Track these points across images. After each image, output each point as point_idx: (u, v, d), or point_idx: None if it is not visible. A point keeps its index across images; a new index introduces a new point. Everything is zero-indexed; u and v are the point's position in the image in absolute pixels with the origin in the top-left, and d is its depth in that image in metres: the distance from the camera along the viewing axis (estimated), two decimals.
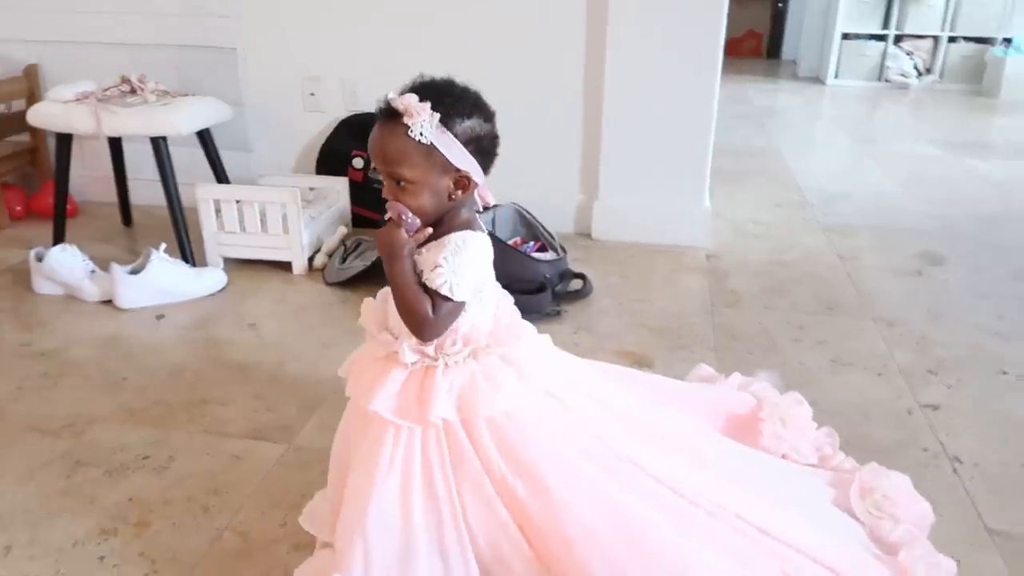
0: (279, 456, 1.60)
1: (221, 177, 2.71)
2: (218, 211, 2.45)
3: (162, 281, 2.26)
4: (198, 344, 2.08)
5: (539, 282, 2.19)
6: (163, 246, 2.32)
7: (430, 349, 1.16)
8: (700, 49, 2.55)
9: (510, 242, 2.38)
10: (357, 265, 2.36)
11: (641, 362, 1.98)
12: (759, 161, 4.14)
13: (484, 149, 1.15)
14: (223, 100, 2.66)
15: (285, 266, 2.49)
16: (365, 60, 2.83)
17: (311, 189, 2.77)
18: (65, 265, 2.28)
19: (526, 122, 2.70)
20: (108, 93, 2.49)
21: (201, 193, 2.44)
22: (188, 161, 2.72)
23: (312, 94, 2.92)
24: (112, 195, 2.92)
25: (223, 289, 2.37)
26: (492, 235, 1.25)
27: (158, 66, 2.86)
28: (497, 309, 1.26)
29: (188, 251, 2.46)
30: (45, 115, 2.46)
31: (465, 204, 1.19)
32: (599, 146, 2.73)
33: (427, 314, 1.12)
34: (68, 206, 2.76)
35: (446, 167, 1.12)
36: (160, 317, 2.21)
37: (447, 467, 1.15)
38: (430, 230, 1.14)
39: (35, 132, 2.99)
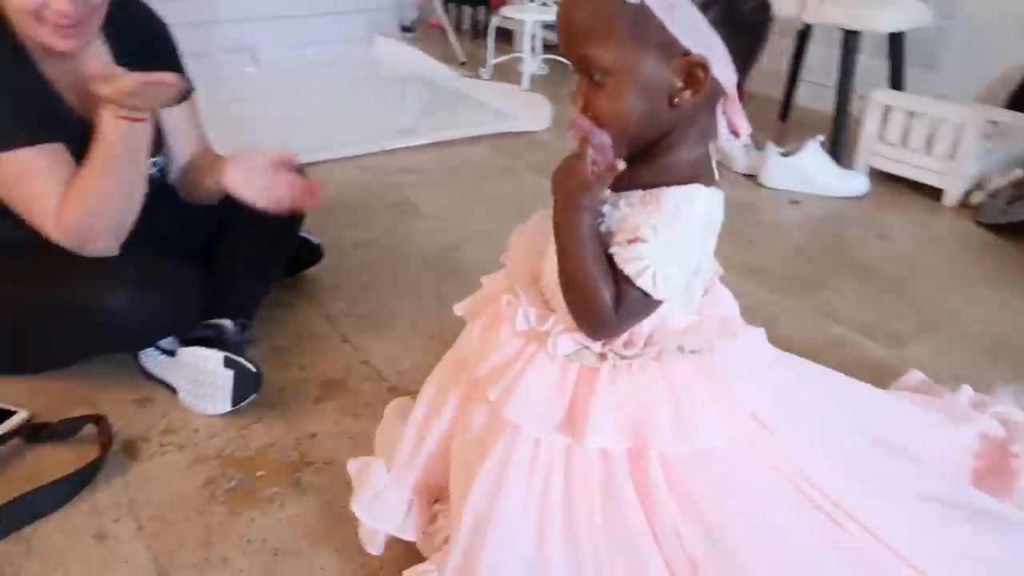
0: (881, 360, 1.51)
1: (898, 88, 2.56)
2: (884, 120, 2.34)
3: (809, 169, 2.27)
4: (825, 235, 2.07)
5: None
6: (820, 137, 2.31)
7: (596, 344, 0.81)
8: None
9: None
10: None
11: None
12: None
13: (738, 20, 0.72)
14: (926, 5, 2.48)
15: (933, 193, 2.28)
16: None
17: (993, 123, 2.44)
18: (727, 134, 2.45)
19: None
20: None
21: (877, 96, 2.34)
22: (861, 72, 2.64)
23: None
24: (778, 91, 3.02)
25: (862, 196, 2.29)
26: None
27: None
28: (706, 297, 0.86)
29: (840, 151, 2.42)
30: None
31: (699, 127, 0.77)
32: None
33: (605, 306, 0.75)
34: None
35: (668, 47, 0.71)
36: (795, 202, 2.25)
37: (595, 504, 0.81)
38: (622, 164, 0.73)
39: None
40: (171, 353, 1.32)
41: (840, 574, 0.80)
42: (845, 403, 1.06)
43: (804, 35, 2.81)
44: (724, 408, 0.80)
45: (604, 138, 0.72)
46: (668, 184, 0.75)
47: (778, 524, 0.81)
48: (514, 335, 0.83)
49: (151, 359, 1.35)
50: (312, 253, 1.72)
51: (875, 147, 2.37)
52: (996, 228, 2.09)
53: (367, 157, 2.47)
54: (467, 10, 4.40)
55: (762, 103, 3.17)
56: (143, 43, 1.38)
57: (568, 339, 0.80)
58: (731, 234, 1.99)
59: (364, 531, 1.00)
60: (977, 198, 2.23)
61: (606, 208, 0.77)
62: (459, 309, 0.95)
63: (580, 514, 0.81)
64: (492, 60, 3.43)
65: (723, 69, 0.73)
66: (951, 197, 2.24)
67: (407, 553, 0.99)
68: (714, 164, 0.82)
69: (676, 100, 0.73)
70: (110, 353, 1.37)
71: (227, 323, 1.37)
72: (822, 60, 2.82)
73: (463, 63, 3.62)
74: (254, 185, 1.29)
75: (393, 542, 1.00)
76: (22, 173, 1.18)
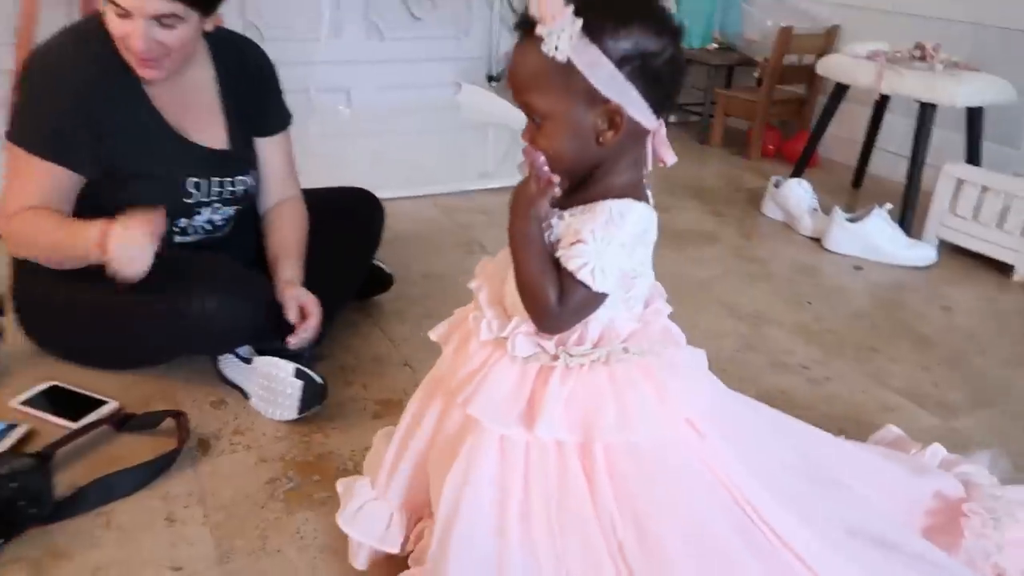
0: (929, 428, 1.51)
1: (974, 163, 2.56)
2: (956, 193, 2.34)
3: (874, 237, 2.29)
4: (884, 302, 2.08)
5: None
6: (888, 206, 2.33)
7: (549, 344, 0.91)
8: None
9: None
10: None
11: None
12: None
13: (652, 73, 0.84)
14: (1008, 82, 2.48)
15: (1003, 269, 2.25)
16: None
17: None
18: (795, 195, 2.48)
19: None
20: (898, 55, 2.55)
21: (948, 169, 2.35)
22: (939, 144, 2.64)
23: None
24: (853, 159, 3.03)
25: (928, 267, 2.28)
26: None
27: (951, 40, 2.79)
28: (649, 307, 0.96)
29: (909, 221, 2.42)
30: (834, 66, 2.67)
31: (628, 158, 0.90)
32: None
33: (552, 301, 0.87)
34: (812, 156, 3.00)
35: (591, 96, 0.84)
36: (858, 268, 2.26)
37: (552, 496, 0.90)
38: (556, 182, 0.86)
39: (811, 85, 3.28)
40: (247, 360, 1.44)
41: (755, 573, 0.87)
42: (791, 436, 1.12)
43: (881, 105, 2.84)
44: (661, 406, 0.90)
45: (544, 165, 0.86)
46: (605, 199, 0.88)
47: (701, 518, 0.90)
48: (481, 346, 0.94)
49: (229, 365, 1.47)
50: (383, 281, 1.84)
51: (946, 219, 2.36)
52: None
53: (445, 196, 2.60)
54: None
55: (837, 169, 3.19)
56: (248, 77, 1.53)
57: (526, 340, 0.91)
58: (789, 294, 2.04)
59: (351, 546, 1.07)
60: None
61: (554, 221, 0.89)
62: (433, 335, 1.06)
63: (537, 504, 0.90)
64: None
65: (640, 113, 0.86)
66: (1021, 273, 2.21)
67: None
68: (648, 190, 0.94)
69: (601, 139, 0.86)
70: (197, 353, 1.49)
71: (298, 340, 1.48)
72: (900, 130, 2.84)
73: None
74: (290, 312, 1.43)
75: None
76: (24, 171, 1.35)
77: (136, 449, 1.29)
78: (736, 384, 1.44)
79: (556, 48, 0.80)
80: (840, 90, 2.71)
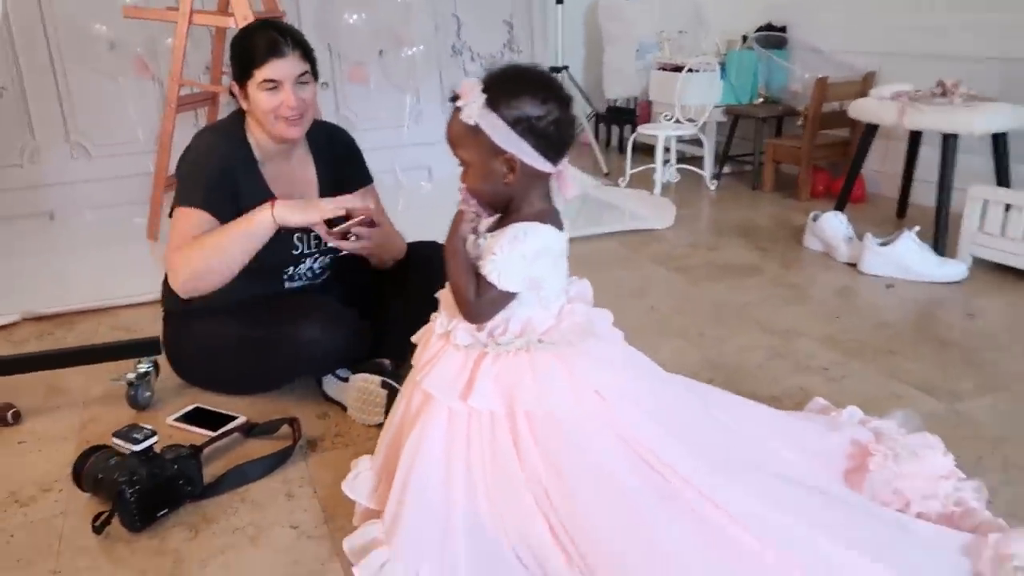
0: (932, 411, 1.69)
1: (1003, 184, 2.71)
2: (983, 212, 2.51)
3: (905, 258, 2.47)
4: (910, 313, 2.27)
5: None
6: (916, 228, 2.52)
7: (482, 335, 1.17)
8: None
9: None
10: None
11: None
12: None
13: (539, 131, 1.12)
14: None
15: None
16: None
17: None
18: (831, 226, 2.70)
19: None
20: (920, 94, 2.77)
21: (973, 191, 2.53)
22: (979, 169, 2.81)
23: None
24: (896, 191, 3.21)
25: (960, 281, 2.44)
26: None
27: (978, 77, 2.98)
28: (565, 308, 1.21)
29: (941, 241, 2.59)
30: (862, 108, 2.90)
31: (536, 193, 1.17)
32: None
33: (469, 295, 1.14)
34: (859, 191, 3.21)
35: (495, 149, 1.12)
36: (890, 286, 2.45)
37: (486, 455, 1.15)
38: (469, 206, 1.17)
39: (854, 128, 3.49)
40: (344, 380, 1.79)
41: (664, 521, 1.10)
42: (721, 407, 1.36)
43: (915, 139, 3.03)
44: (571, 383, 1.15)
45: (470, 199, 1.19)
46: (516, 223, 1.17)
47: (609, 470, 1.13)
48: (437, 339, 1.23)
49: (330, 384, 1.82)
50: None
51: (976, 237, 2.53)
52: None
53: None
54: (615, 129, 4.93)
55: (883, 203, 3.38)
56: (334, 151, 1.92)
57: (464, 332, 1.20)
58: (820, 312, 2.26)
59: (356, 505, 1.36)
60: None
61: (481, 241, 1.19)
62: (414, 338, 1.33)
63: (476, 462, 1.16)
64: (629, 171, 3.89)
65: (534, 161, 1.14)
66: None
67: None
68: (561, 217, 1.21)
69: (506, 180, 1.15)
70: (305, 374, 1.85)
71: (385, 361, 1.82)
72: (935, 161, 3.01)
73: (606, 174, 4.09)
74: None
75: None
76: (180, 220, 1.72)
77: (261, 450, 1.64)
78: (760, 385, 1.69)
79: (468, 115, 1.11)
80: (871, 129, 2.93)
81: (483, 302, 1.16)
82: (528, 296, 1.18)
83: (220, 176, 1.74)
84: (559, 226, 1.20)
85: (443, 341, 1.22)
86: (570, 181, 1.18)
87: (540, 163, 1.15)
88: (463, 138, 1.15)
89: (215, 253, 1.68)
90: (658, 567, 1.08)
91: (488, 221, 1.22)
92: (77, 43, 3.38)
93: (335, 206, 1.66)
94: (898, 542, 1.15)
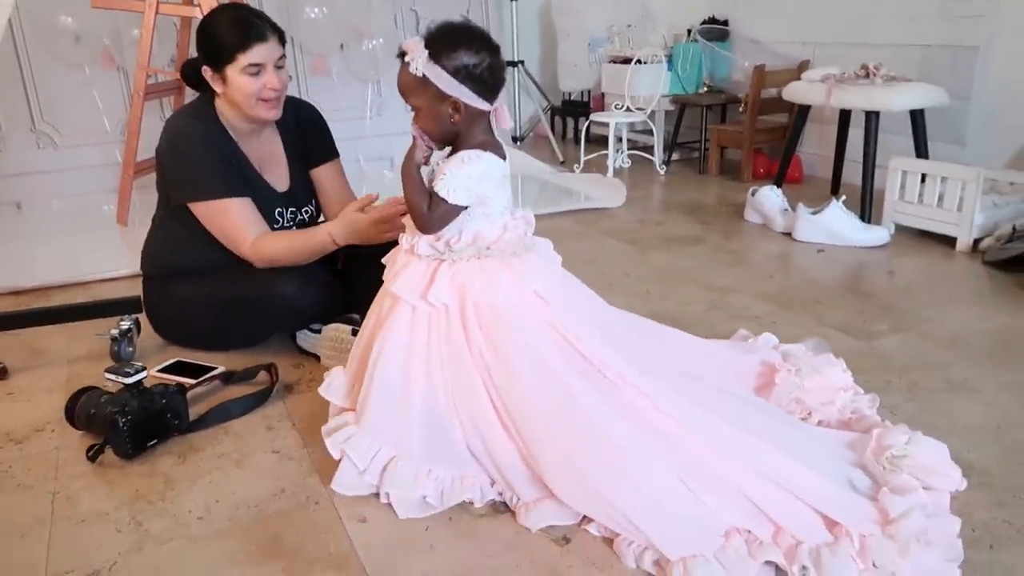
0: (851, 347, 1.89)
1: (921, 157, 2.95)
2: (903, 183, 2.73)
3: (833, 225, 2.69)
4: (837, 272, 2.48)
5: None
6: (843, 198, 2.74)
7: (440, 244, 1.35)
8: None
9: None
10: (1019, 246, 2.35)
11: None
12: None
13: (476, 77, 1.29)
14: (950, 94, 2.88)
15: (949, 241, 2.62)
16: None
17: (1011, 184, 2.78)
18: (768, 199, 2.91)
19: None
20: (846, 76, 3.00)
21: (894, 163, 2.76)
22: (902, 148, 3.04)
23: None
24: (831, 172, 3.45)
25: (883, 245, 2.66)
26: None
27: (899, 61, 3.22)
28: (509, 222, 1.38)
29: (866, 210, 2.82)
30: (794, 90, 3.13)
31: (478, 127, 1.34)
32: None
33: (423, 209, 1.32)
34: (796, 172, 3.43)
35: (441, 95, 1.29)
36: (820, 251, 2.66)
37: (443, 349, 1.33)
38: (420, 142, 1.34)
39: (792, 113, 3.72)
40: (317, 331, 1.93)
41: (595, 402, 1.27)
42: (641, 326, 1.59)
43: (845, 122, 3.27)
44: (514, 282, 1.34)
45: (421, 135, 1.35)
46: (463, 150, 1.34)
47: (545, 356, 1.31)
48: (404, 253, 1.41)
49: (304, 338, 1.96)
50: None
51: (897, 205, 2.76)
52: (999, 265, 2.41)
53: None
54: (570, 121, 5.13)
55: (819, 183, 3.61)
56: (300, 126, 2.04)
57: (424, 243, 1.37)
58: (757, 273, 2.46)
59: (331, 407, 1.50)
60: (987, 243, 2.56)
61: (434, 167, 1.37)
62: (385, 260, 1.47)
63: (434, 353, 1.34)
64: (584, 157, 4.08)
65: (475, 102, 1.31)
66: (962, 244, 2.58)
67: None
68: (505, 148, 1.39)
69: (452, 120, 1.32)
70: (281, 330, 1.98)
71: (355, 316, 1.96)
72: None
73: (562, 162, 4.28)
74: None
75: None
76: (222, 214, 1.85)
77: (241, 394, 1.77)
78: (699, 331, 1.88)
79: (416, 68, 1.28)
80: (803, 110, 3.16)
81: (435, 215, 1.33)
82: (476, 211, 1.35)
83: (222, 161, 1.86)
84: (502, 155, 1.38)
85: (408, 256, 1.40)
86: (504, 115, 1.37)
87: (479, 103, 1.32)
88: (413, 88, 1.31)
89: (290, 256, 1.87)
90: (590, 445, 1.24)
91: (440, 154, 1.40)
92: (43, 35, 3.46)
93: (373, 220, 1.78)
94: (794, 436, 1.34)
